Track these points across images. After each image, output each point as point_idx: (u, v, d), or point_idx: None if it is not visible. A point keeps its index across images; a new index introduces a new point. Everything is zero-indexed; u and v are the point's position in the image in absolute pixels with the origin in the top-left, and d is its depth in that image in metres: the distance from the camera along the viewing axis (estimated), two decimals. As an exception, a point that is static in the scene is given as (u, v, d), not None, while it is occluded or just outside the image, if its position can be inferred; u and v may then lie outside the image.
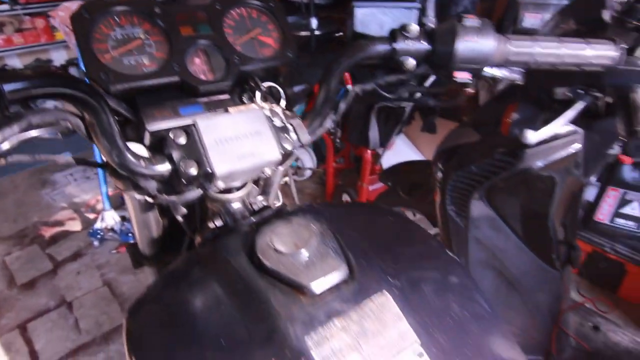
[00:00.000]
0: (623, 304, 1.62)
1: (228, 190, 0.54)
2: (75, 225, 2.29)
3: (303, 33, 1.90)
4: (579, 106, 0.64)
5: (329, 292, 0.38)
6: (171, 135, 0.45)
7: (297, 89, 0.58)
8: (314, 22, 1.85)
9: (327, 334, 0.35)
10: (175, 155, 0.44)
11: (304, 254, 0.39)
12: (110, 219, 2.04)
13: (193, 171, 0.44)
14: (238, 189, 0.54)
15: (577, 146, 0.83)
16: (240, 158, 0.45)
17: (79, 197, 2.55)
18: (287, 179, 0.71)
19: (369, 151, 1.96)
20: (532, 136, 0.62)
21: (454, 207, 1.01)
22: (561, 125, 0.62)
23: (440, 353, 0.36)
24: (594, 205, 1.63)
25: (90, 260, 2.04)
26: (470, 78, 0.47)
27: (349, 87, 0.57)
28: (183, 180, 0.45)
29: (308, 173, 2.60)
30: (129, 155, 0.42)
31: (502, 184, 0.90)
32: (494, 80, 1.97)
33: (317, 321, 0.36)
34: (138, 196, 0.51)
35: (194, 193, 0.49)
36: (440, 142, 1.07)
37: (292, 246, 0.40)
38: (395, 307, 0.38)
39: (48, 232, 2.23)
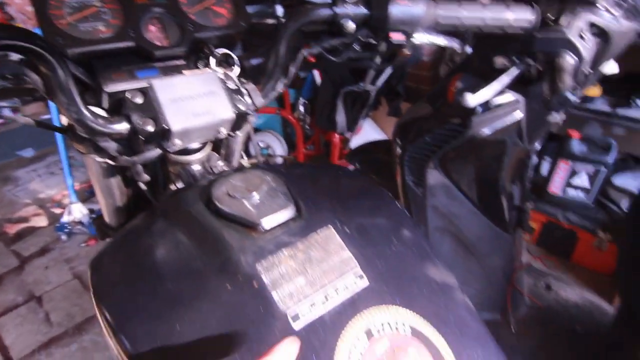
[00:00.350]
0: (576, 269, 1.74)
1: (187, 152, 0.57)
2: (41, 221, 2.24)
3: (270, 21, 1.92)
4: (513, 72, 0.70)
5: (278, 228, 0.42)
6: (128, 95, 0.47)
7: (254, 61, 0.61)
8: (279, 10, 1.88)
9: (275, 261, 0.39)
10: (133, 114, 0.47)
11: (255, 196, 0.43)
12: (78, 212, 2.01)
13: (150, 128, 0.46)
14: (197, 151, 0.57)
15: (519, 114, 0.90)
16: (195, 116, 0.48)
17: (43, 193, 2.49)
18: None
19: (337, 135, 2.01)
20: (471, 99, 0.67)
21: (412, 178, 1.06)
22: (498, 89, 0.68)
23: (379, 276, 0.41)
24: (547, 179, 1.75)
25: (58, 255, 2.01)
26: (405, 40, 0.51)
27: (303, 51, 0.60)
28: (141, 138, 0.47)
29: (279, 160, 2.63)
30: (87, 113, 0.44)
31: (454, 152, 0.96)
32: (451, 57, 2.05)
33: (266, 251, 0.40)
34: (99, 159, 0.53)
35: (153, 153, 0.52)
36: (399, 119, 1.12)
37: (245, 191, 0.44)
38: (338, 239, 0.42)
39: (12, 229, 2.17)
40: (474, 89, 0.70)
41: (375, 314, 0.38)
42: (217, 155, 0.65)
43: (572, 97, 0.60)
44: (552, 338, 1.18)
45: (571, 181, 1.67)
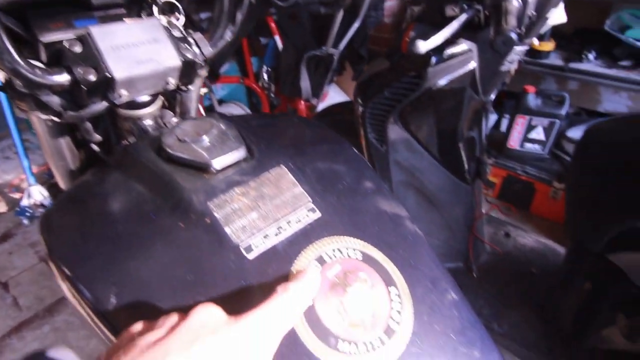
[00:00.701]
0: (535, 219, 1.85)
1: (137, 107, 0.55)
2: (0, 207, 2.14)
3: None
4: (462, 18, 0.71)
5: (229, 168, 0.42)
6: (66, 44, 0.45)
7: (203, 15, 0.59)
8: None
9: (227, 199, 0.40)
10: (72, 64, 0.45)
11: (205, 139, 0.43)
12: (38, 193, 1.93)
13: (92, 77, 0.45)
14: (148, 105, 0.56)
15: (472, 64, 0.92)
16: (139, 63, 0.47)
17: (0, 179, 2.37)
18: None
19: (302, 102, 1.99)
20: (422, 45, 0.68)
21: (374, 134, 1.08)
22: (448, 34, 0.70)
23: (331, 209, 0.43)
24: (506, 135, 1.81)
25: (22, 240, 1.94)
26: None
27: None
28: (84, 89, 0.46)
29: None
30: (22, 62, 0.42)
31: (412, 105, 0.98)
32: (412, 17, 2.05)
33: (218, 190, 0.40)
34: (44, 117, 0.51)
35: (100, 106, 0.50)
36: (358, 78, 1.13)
37: (195, 135, 0.44)
38: (290, 177, 0.43)
39: (-31, 217, 2.07)
40: (425, 37, 0.71)
41: (328, 243, 0.40)
42: (171, 112, 0.64)
43: (515, 37, 0.62)
44: (510, 281, 1.26)
45: (528, 135, 1.74)
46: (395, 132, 1.04)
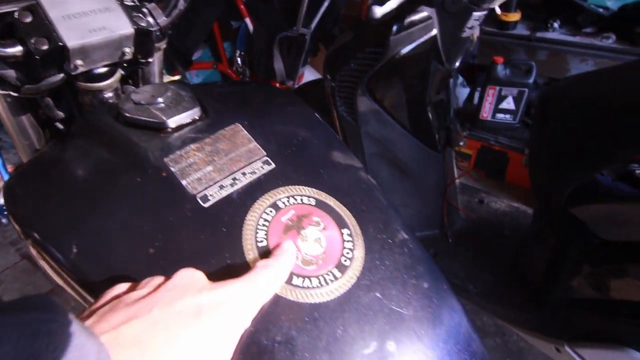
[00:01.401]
0: (510, 188, 1.90)
1: (96, 79, 0.56)
2: (-23, 207, 2.11)
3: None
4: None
5: (184, 127, 0.44)
6: (16, 15, 0.46)
7: None
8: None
9: (183, 154, 0.41)
10: (24, 35, 0.46)
11: (160, 101, 0.45)
12: (15, 190, 1.91)
13: (44, 47, 0.46)
14: (107, 76, 0.57)
15: (434, 31, 0.94)
16: (91, 32, 0.48)
17: (-25, 179, 2.33)
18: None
19: (277, 85, 2.00)
20: (378, 10, 0.70)
21: (344, 107, 1.10)
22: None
23: (285, 161, 0.45)
24: (478, 107, 1.85)
25: (1, 238, 1.92)
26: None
27: None
28: (38, 59, 0.46)
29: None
30: None
31: (378, 75, 1.00)
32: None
33: (174, 147, 0.42)
34: (1, 92, 0.52)
35: (57, 77, 0.51)
36: (327, 52, 1.14)
37: (150, 98, 0.45)
38: (246, 133, 0.45)
39: (-55, 219, 2.04)
40: (382, 2, 0.72)
41: (282, 192, 0.42)
42: (132, 87, 0.65)
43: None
44: (484, 244, 1.31)
45: (499, 106, 1.78)
46: (364, 103, 1.06)
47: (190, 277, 0.31)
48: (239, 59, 2.03)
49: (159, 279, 0.32)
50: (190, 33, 1.84)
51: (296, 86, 2.06)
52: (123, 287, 0.32)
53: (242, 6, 1.83)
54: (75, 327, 0.22)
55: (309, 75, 2.33)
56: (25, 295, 0.23)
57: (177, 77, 1.98)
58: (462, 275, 1.22)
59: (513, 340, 1.49)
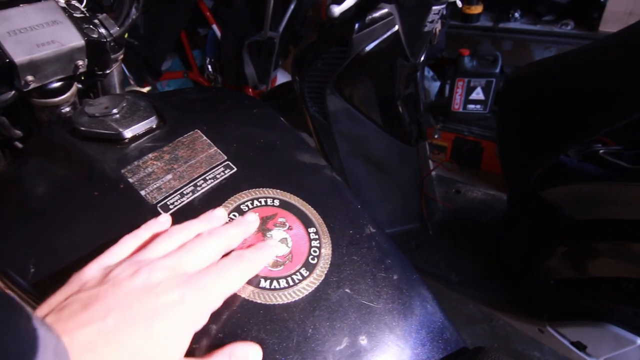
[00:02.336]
0: (487, 176, 1.94)
1: (51, 94, 0.55)
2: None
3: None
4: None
5: (141, 137, 0.43)
6: (-43, 33, 0.44)
7: None
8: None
9: (141, 164, 0.41)
10: (-32, 53, 0.44)
11: (115, 112, 0.44)
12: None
13: (-10, 64, 0.44)
14: (62, 91, 0.56)
15: (395, 27, 0.95)
16: (39, 46, 0.47)
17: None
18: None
19: (250, 90, 1.99)
20: (336, 9, 0.71)
21: (315, 108, 1.10)
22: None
23: (247, 165, 0.44)
24: (450, 99, 1.88)
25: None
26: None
27: None
28: (-16, 77, 0.45)
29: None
30: None
31: (345, 74, 1.01)
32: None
33: (131, 158, 0.41)
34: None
35: (8, 95, 0.50)
36: (294, 55, 1.14)
37: (104, 110, 0.44)
38: (205, 139, 0.45)
39: None
40: (340, 1, 0.73)
41: (245, 196, 0.42)
42: (91, 100, 0.64)
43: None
44: (463, 233, 1.33)
45: (469, 97, 1.82)
46: (334, 103, 1.07)
47: (156, 275, 0.30)
48: (209, 66, 2.02)
49: (132, 242, 0.33)
50: (157, 43, 1.82)
51: (269, 90, 2.05)
52: (91, 271, 0.31)
53: (207, 13, 1.82)
54: (36, 322, 0.23)
55: (281, 78, 2.32)
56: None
57: (147, 89, 1.94)
58: (444, 265, 1.24)
59: (500, 325, 1.51)
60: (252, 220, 0.38)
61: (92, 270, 0.31)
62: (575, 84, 0.77)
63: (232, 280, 0.33)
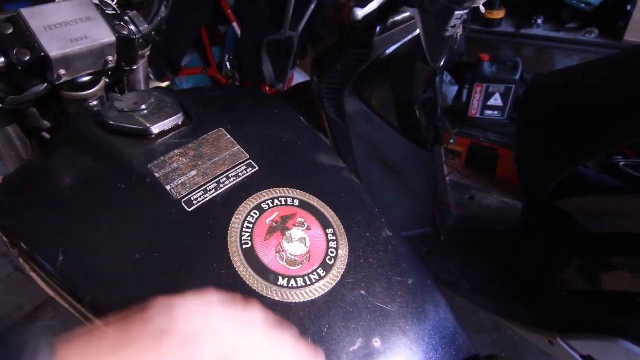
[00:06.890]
0: (501, 183, 1.92)
1: (81, 88, 0.56)
2: (-32, 220, 2.09)
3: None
4: (397, -17, 0.74)
5: (168, 132, 0.44)
6: (-3, 27, 0.46)
7: None
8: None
9: (167, 160, 0.42)
10: (6, 46, 0.46)
11: (143, 108, 0.45)
12: (6, 202, 1.89)
13: (26, 57, 0.46)
14: (91, 85, 0.57)
15: (417, 31, 0.95)
16: (73, 41, 0.48)
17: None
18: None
19: (267, 88, 2.00)
20: (359, 12, 0.71)
21: (333, 109, 1.11)
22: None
23: (269, 164, 0.45)
24: (467, 104, 1.87)
25: (-6, 250, 1.91)
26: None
27: None
28: (20, 70, 0.47)
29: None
30: None
31: (365, 76, 1.01)
32: None
33: (158, 153, 0.42)
34: (-15, 104, 0.52)
35: (40, 87, 0.51)
36: (314, 55, 1.15)
37: (133, 105, 0.46)
38: (229, 138, 0.46)
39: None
40: (364, 4, 0.73)
41: (266, 194, 0.43)
42: (117, 94, 0.65)
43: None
44: (476, 240, 1.32)
45: (487, 103, 1.80)
46: (352, 105, 1.07)
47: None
48: (228, 64, 2.04)
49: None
50: (178, 39, 1.84)
51: (286, 89, 2.07)
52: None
53: (229, 11, 1.84)
54: None
55: (298, 77, 2.33)
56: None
57: (166, 84, 1.98)
58: (455, 272, 1.23)
59: (508, 335, 1.50)
60: None
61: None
62: (600, 94, 0.76)
63: None
